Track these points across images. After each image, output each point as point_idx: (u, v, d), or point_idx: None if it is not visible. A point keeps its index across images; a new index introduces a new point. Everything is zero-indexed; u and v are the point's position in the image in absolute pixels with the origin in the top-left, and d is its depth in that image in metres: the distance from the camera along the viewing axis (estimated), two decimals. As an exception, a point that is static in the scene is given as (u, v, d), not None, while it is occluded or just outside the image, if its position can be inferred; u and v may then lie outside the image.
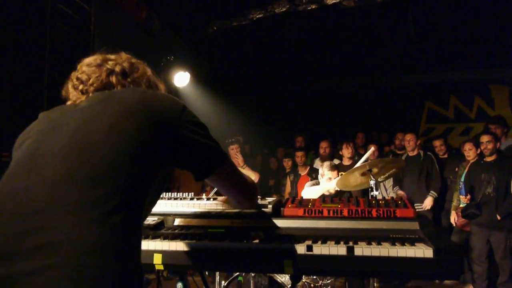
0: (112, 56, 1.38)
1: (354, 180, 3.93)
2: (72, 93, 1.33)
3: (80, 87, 1.32)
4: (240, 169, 4.14)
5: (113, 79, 1.33)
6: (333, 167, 4.31)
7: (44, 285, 0.89)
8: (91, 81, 1.31)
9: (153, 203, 1.29)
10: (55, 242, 0.94)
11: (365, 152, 6.46)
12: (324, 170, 4.29)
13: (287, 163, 6.83)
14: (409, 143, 5.85)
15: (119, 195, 1.05)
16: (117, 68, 1.35)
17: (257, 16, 6.51)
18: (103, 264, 0.95)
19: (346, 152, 5.78)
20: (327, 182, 4.24)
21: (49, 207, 0.99)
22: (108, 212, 1.01)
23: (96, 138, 1.11)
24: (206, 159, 1.31)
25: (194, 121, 1.28)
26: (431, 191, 5.63)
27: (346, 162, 5.77)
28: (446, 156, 6.08)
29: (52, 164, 1.07)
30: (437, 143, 6.15)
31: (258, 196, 2.04)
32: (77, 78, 1.33)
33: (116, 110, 1.17)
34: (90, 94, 1.30)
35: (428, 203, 5.61)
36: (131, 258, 1.04)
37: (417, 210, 5.46)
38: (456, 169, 5.57)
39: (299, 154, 6.24)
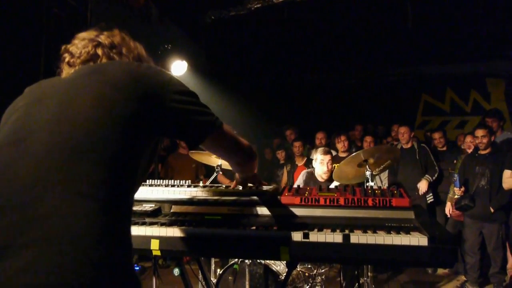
0: (106, 32, 1.38)
1: (350, 171, 3.95)
2: (62, 66, 1.33)
3: (67, 58, 1.32)
4: None
5: (99, 51, 1.32)
6: (327, 152, 4.38)
7: (34, 262, 0.89)
8: (78, 53, 1.31)
9: (142, 179, 1.28)
10: (45, 221, 0.93)
11: (362, 144, 6.50)
12: (318, 154, 4.37)
13: (281, 155, 6.84)
14: (403, 136, 5.83)
15: (107, 169, 1.04)
16: (106, 41, 1.35)
17: (255, 6, 6.48)
18: (91, 242, 0.94)
19: (339, 146, 5.78)
20: (320, 165, 4.30)
21: (37, 182, 0.98)
22: (97, 187, 1.00)
23: (81, 112, 1.09)
24: (197, 126, 1.29)
25: (181, 90, 1.26)
26: (426, 175, 5.59)
27: (342, 154, 5.78)
28: (445, 148, 6.11)
29: (39, 138, 1.06)
30: (436, 135, 6.18)
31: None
32: (67, 51, 1.33)
33: (101, 82, 1.16)
34: (77, 67, 1.30)
35: (423, 186, 5.53)
36: (120, 236, 1.03)
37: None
38: (455, 161, 5.60)
39: (297, 144, 6.25)
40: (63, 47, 1.35)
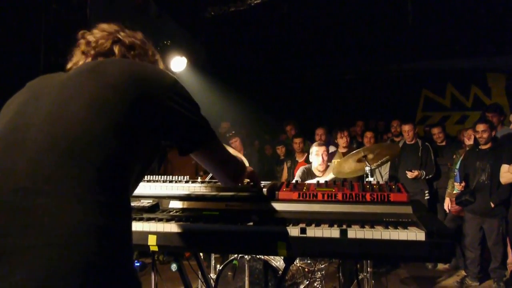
0: (128, 31, 1.35)
1: (349, 167, 3.95)
2: (76, 53, 1.32)
3: (82, 47, 1.31)
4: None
5: (116, 49, 1.30)
6: (321, 144, 4.48)
7: (32, 265, 0.87)
8: (94, 43, 1.29)
9: (139, 180, 1.26)
10: (39, 223, 0.91)
11: (363, 140, 6.49)
12: (313, 147, 4.45)
13: (281, 150, 6.83)
14: (408, 134, 5.83)
15: (99, 170, 1.01)
16: (127, 40, 1.32)
17: (255, 2, 6.46)
18: (88, 244, 0.92)
19: (341, 141, 5.78)
20: (315, 157, 4.37)
21: (32, 184, 0.96)
22: (93, 189, 0.98)
23: (75, 112, 1.07)
24: (191, 135, 1.28)
25: (184, 95, 1.25)
26: (422, 170, 5.61)
27: (342, 150, 5.77)
28: (444, 143, 6.11)
29: (34, 138, 1.03)
30: (435, 130, 6.18)
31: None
32: (84, 38, 1.32)
33: (98, 82, 1.13)
34: (89, 59, 1.29)
35: (412, 174, 5.53)
36: (118, 237, 1.01)
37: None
38: (454, 156, 5.60)
39: (297, 140, 6.22)
40: (80, 32, 1.33)
